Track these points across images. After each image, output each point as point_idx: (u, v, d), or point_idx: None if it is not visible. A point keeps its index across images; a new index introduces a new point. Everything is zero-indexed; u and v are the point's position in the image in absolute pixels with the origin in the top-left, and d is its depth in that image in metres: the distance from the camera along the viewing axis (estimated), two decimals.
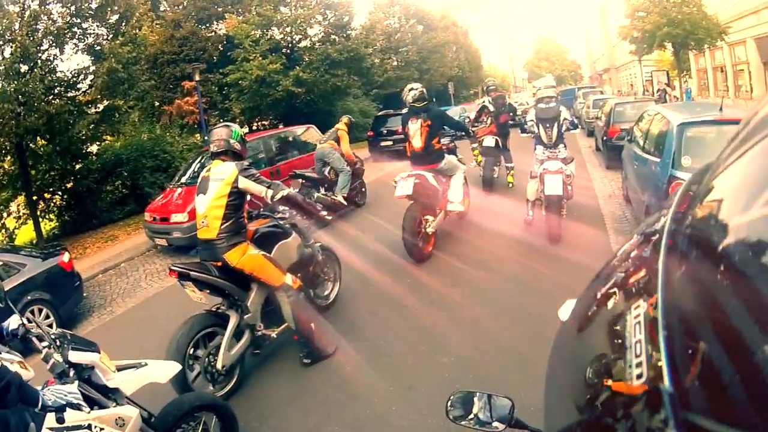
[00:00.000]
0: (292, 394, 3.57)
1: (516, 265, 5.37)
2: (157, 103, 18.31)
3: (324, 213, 4.28)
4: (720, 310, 0.47)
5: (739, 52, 22.53)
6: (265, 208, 4.34)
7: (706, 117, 5.02)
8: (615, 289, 0.73)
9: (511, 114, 9.50)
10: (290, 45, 20.33)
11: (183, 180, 8.80)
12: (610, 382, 0.61)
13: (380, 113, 18.94)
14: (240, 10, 19.89)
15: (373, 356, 3.91)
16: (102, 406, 2.14)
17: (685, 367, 0.47)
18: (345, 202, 8.47)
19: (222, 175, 3.57)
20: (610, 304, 0.73)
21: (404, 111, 6.37)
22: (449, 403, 1.25)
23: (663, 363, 0.48)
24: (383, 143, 16.11)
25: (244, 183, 3.54)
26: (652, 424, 0.45)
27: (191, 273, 3.46)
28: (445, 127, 6.54)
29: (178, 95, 18.03)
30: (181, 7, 20.35)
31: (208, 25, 20.67)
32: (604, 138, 11.54)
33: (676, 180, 4.51)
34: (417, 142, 5.96)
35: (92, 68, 10.59)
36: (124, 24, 10.91)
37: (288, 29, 19.96)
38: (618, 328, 0.62)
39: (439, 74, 30.18)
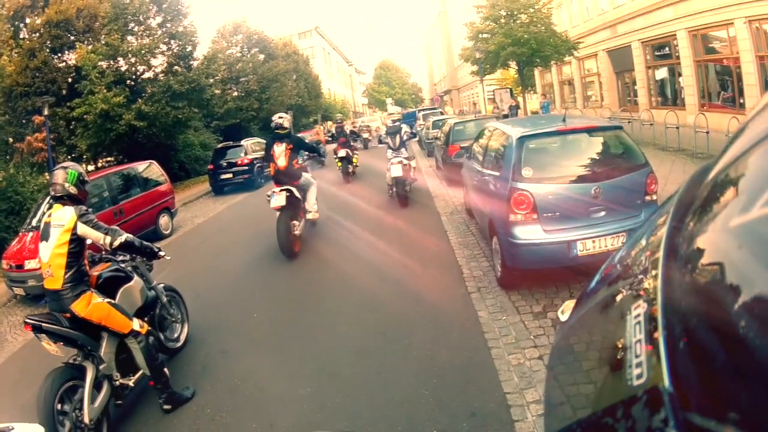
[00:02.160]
0: None
1: (367, 287, 5.44)
2: (10, 140, 16.02)
3: (163, 253, 4.10)
4: (720, 311, 0.45)
5: (589, 64, 22.99)
6: (106, 252, 4.10)
7: (546, 129, 4.92)
8: (615, 290, 0.70)
9: (349, 136, 14.71)
10: (134, 76, 18.85)
11: (33, 223, 7.99)
12: (610, 382, 0.59)
13: (220, 145, 17.82)
14: (90, 39, 18.03)
15: (230, 396, 3.78)
16: None
17: (685, 367, 0.46)
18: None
19: (61, 221, 3.37)
20: (611, 304, 0.69)
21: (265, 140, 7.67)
22: None
23: (663, 363, 0.47)
24: (223, 176, 15.42)
25: (83, 229, 3.38)
26: (652, 424, 0.44)
27: (43, 325, 3.25)
28: (302, 150, 7.88)
29: (29, 131, 16.05)
30: (37, 34, 17.79)
31: (60, 54, 18.37)
32: (444, 156, 11.54)
33: (518, 191, 4.42)
34: (282, 161, 6.97)
35: None
36: None
37: (133, 60, 18.47)
38: (618, 328, 0.60)
39: (279, 103, 29.13)
